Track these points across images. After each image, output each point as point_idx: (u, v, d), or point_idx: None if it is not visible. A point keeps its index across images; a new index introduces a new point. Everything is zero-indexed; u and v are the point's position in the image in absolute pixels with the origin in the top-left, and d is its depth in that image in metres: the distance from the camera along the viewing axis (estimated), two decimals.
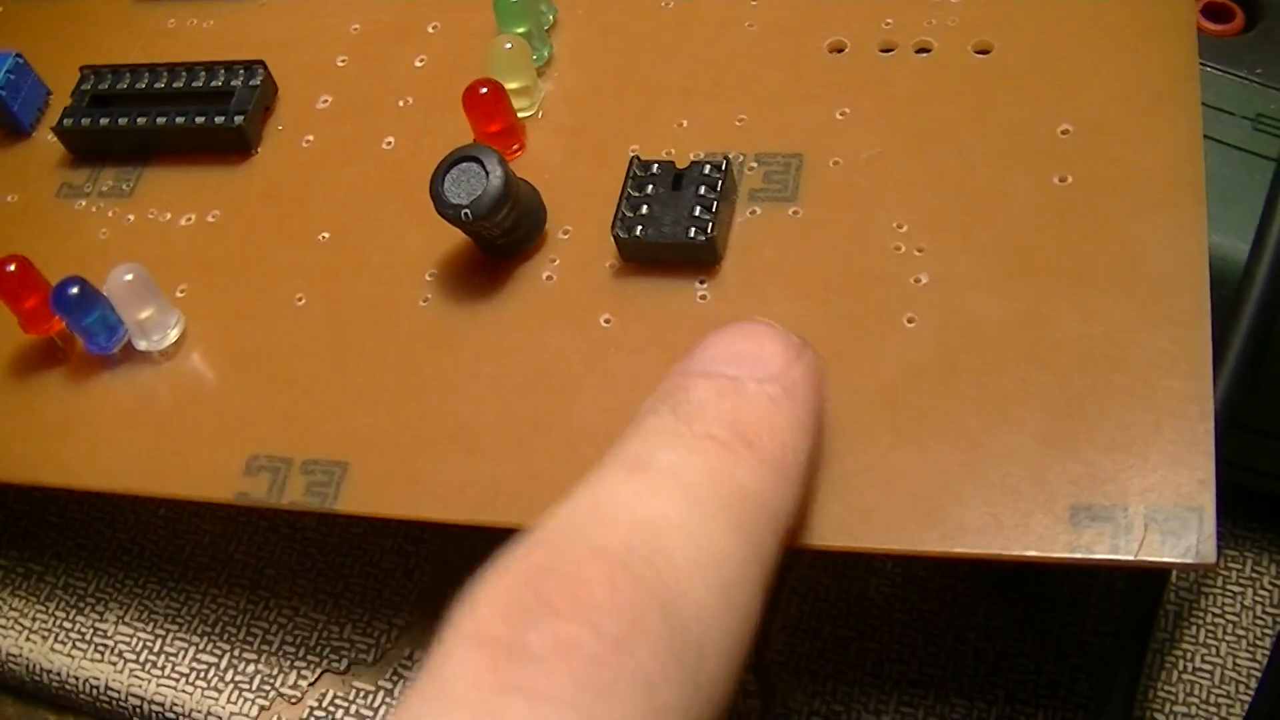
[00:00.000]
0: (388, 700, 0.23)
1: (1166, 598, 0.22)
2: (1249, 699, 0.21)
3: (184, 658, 0.24)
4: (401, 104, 0.24)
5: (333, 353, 0.21)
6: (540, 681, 0.13)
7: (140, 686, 0.24)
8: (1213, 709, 0.21)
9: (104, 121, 0.24)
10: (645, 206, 0.20)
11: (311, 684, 0.24)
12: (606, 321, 0.20)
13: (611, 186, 0.20)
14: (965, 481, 0.17)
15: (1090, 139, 0.20)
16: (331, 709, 0.23)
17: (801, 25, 0.22)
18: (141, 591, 0.25)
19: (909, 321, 0.19)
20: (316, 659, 0.24)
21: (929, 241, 0.19)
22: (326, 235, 0.23)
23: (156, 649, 0.25)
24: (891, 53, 0.22)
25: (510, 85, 0.22)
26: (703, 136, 0.22)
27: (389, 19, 0.25)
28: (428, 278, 0.21)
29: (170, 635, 0.25)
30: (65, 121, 0.25)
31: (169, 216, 0.24)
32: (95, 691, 0.25)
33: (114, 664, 0.25)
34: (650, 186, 0.20)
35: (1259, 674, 0.21)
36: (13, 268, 0.22)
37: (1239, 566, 0.23)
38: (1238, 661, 0.22)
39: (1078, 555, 0.16)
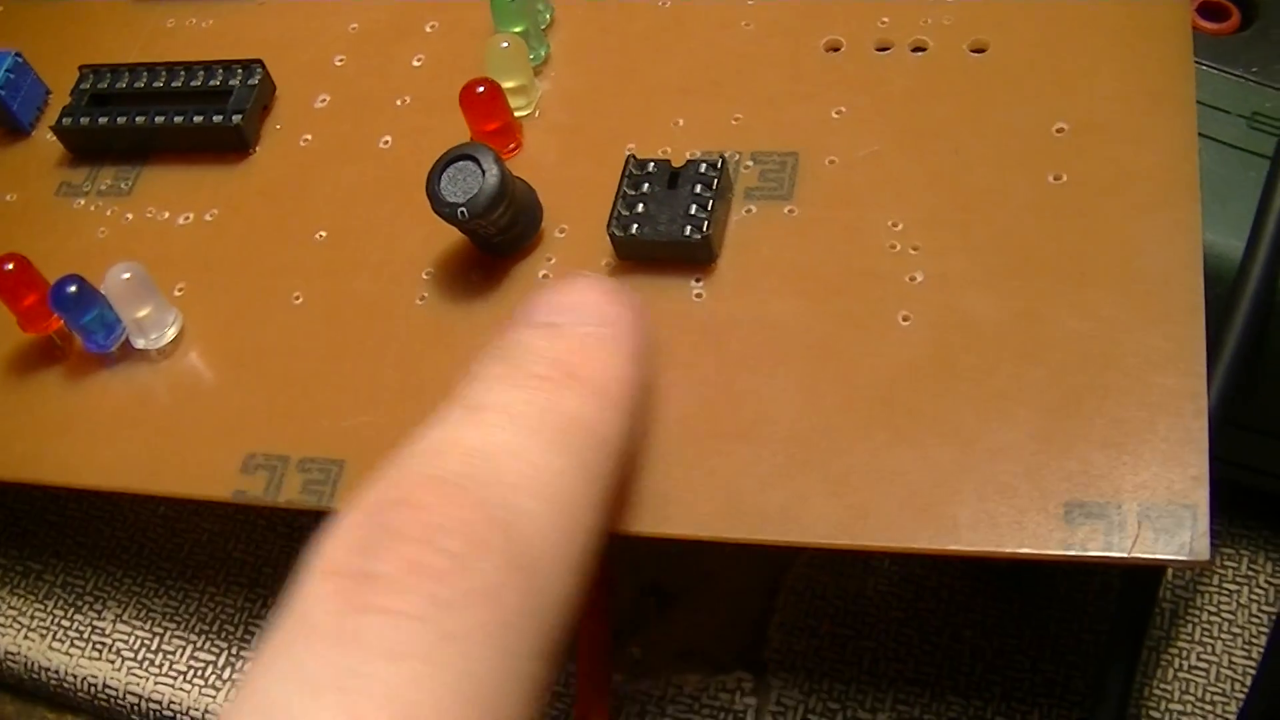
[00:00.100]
0: None
1: (1162, 595, 0.22)
2: (1244, 696, 0.21)
3: (182, 656, 0.24)
4: (399, 103, 0.24)
5: (330, 351, 0.21)
6: (392, 600, 0.13)
7: (138, 684, 0.24)
8: (1208, 706, 0.21)
9: (103, 120, 0.24)
10: (641, 205, 0.20)
11: None
12: None
13: (608, 185, 0.20)
14: (961, 479, 0.17)
15: (1086, 137, 0.20)
16: None
17: (798, 24, 0.22)
18: (140, 590, 0.25)
19: (904, 319, 0.19)
20: None
21: (924, 240, 0.19)
22: (324, 234, 0.23)
23: (154, 647, 0.25)
24: (888, 51, 0.22)
25: (507, 84, 0.22)
26: (699, 135, 0.22)
27: (387, 18, 0.25)
28: (425, 276, 0.21)
29: (168, 633, 0.25)
30: (64, 120, 0.25)
31: (167, 215, 0.24)
32: (93, 689, 0.25)
33: (112, 662, 0.25)
34: (646, 185, 0.20)
35: (1254, 671, 0.21)
36: (11, 266, 0.22)
37: (1234, 564, 0.23)
38: (1233, 659, 0.22)
39: (1072, 552, 0.16)
